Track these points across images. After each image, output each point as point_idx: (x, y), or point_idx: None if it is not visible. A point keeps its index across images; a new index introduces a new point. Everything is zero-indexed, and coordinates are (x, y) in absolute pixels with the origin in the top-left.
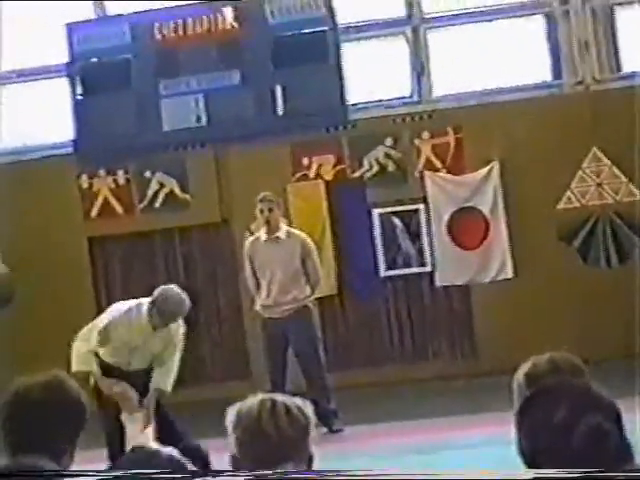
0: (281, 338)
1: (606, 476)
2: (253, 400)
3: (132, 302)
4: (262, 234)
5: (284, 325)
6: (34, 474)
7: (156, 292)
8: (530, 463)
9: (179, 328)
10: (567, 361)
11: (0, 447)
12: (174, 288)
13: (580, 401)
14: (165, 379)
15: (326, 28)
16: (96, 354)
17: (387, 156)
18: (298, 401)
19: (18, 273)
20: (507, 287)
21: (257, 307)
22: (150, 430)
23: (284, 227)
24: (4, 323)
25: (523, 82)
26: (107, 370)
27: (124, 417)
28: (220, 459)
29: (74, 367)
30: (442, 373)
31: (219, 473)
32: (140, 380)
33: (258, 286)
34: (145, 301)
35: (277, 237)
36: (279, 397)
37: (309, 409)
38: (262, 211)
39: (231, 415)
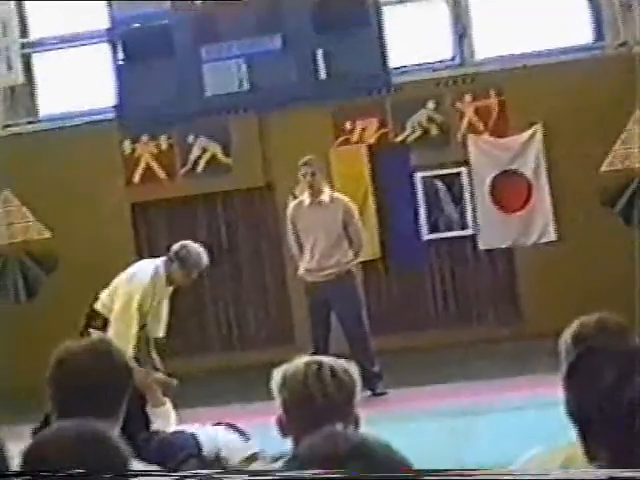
0: (324, 302)
1: None
2: (299, 362)
3: (150, 266)
4: (305, 198)
5: (327, 289)
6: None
7: (177, 247)
8: (579, 424)
9: None
10: (615, 322)
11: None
12: (194, 243)
13: (629, 362)
14: (160, 328)
15: None
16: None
17: (430, 119)
18: (344, 363)
19: (61, 239)
20: (550, 250)
21: (300, 271)
22: (172, 413)
23: (327, 191)
24: (48, 290)
25: (565, 44)
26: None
27: (149, 409)
28: (266, 422)
29: None
30: (486, 336)
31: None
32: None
33: (301, 250)
34: (159, 261)
35: (320, 201)
36: (325, 359)
37: (355, 371)
38: (305, 175)
39: (277, 377)
